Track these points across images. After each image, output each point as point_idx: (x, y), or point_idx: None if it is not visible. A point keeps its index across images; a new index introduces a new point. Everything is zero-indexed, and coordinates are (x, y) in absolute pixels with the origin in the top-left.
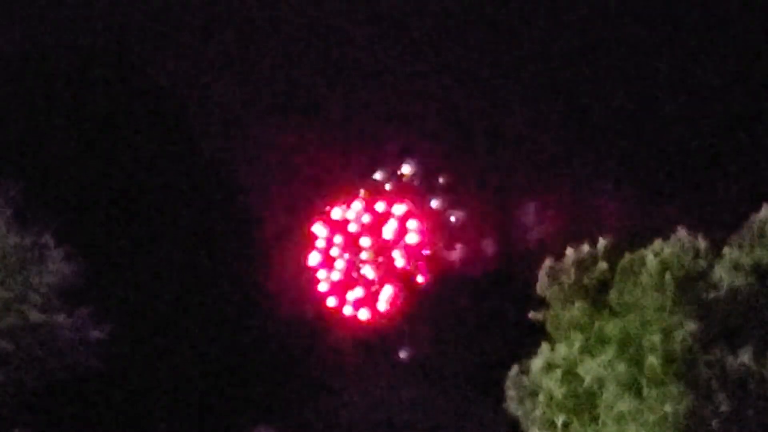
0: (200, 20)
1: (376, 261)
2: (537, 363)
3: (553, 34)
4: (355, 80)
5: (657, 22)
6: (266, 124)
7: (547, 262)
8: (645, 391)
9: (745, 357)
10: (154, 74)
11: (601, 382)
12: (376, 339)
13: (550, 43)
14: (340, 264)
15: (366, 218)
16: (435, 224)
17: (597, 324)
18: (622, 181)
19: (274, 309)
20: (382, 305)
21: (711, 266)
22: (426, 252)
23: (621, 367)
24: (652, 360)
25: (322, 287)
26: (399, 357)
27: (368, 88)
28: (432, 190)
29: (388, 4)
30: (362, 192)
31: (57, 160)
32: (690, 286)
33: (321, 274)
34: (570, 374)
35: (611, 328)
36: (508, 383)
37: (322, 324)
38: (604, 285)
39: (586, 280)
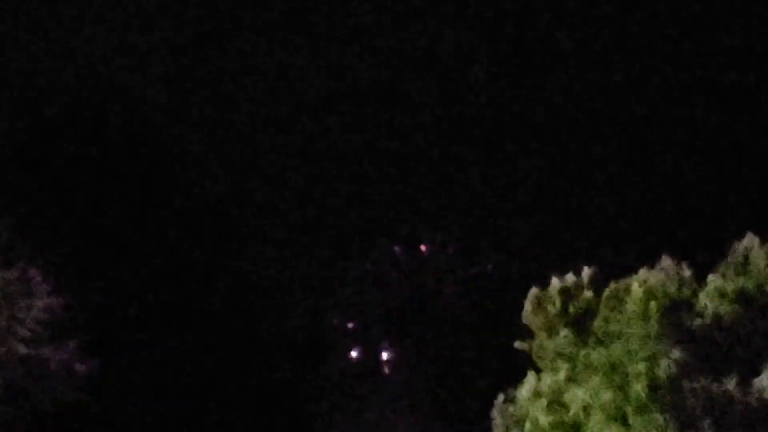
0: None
1: None
2: (523, 392)
3: (545, 86)
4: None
5: (654, 58)
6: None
7: (533, 291)
8: (631, 419)
9: (730, 385)
10: (144, 110)
11: (587, 411)
12: (366, 368)
13: (543, 91)
14: None
15: None
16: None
17: (582, 352)
18: (607, 211)
19: (264, 338)
20: None
21: (695, 294)
22: None
23: (607, 396)
24: (638, 388)
25: None
26: (387, 386)
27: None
28: None
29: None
30: None
31: (43, 194)
32: (675, 314)
33: None
34: (556, 403)
35: (597, 356)
36: (495, 412)
37: (312, 352)
38: (589, 314)
39: (571, 309)
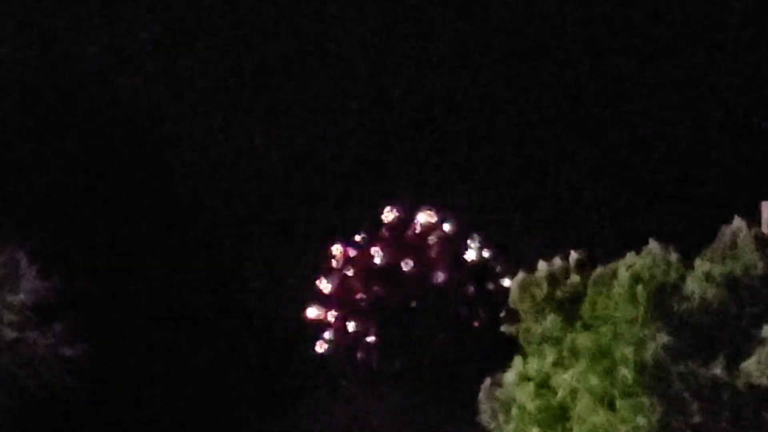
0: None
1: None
2: (510, 376)
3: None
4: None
5: (642, 48)
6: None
7: (520, 275)
8: (617, 403)
9: (717, 368)
10: (130, 98)
11: (573, 395)
12: (352, 352)
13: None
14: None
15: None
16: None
17: (569, 337)
18: (594, 194)
19: (250, 322)
20: None
21: (683, 278)
22: None
23: (593, 380)
24: (625, 372)
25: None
26: (374, 370)
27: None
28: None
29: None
30: None
31: (30, 178)
32: (662, 298)
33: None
34: (543, 387)
35: (583, 340)
36: (482, 396)
37: (299, 335)
38: (576, 298)
39: (558, 293)
